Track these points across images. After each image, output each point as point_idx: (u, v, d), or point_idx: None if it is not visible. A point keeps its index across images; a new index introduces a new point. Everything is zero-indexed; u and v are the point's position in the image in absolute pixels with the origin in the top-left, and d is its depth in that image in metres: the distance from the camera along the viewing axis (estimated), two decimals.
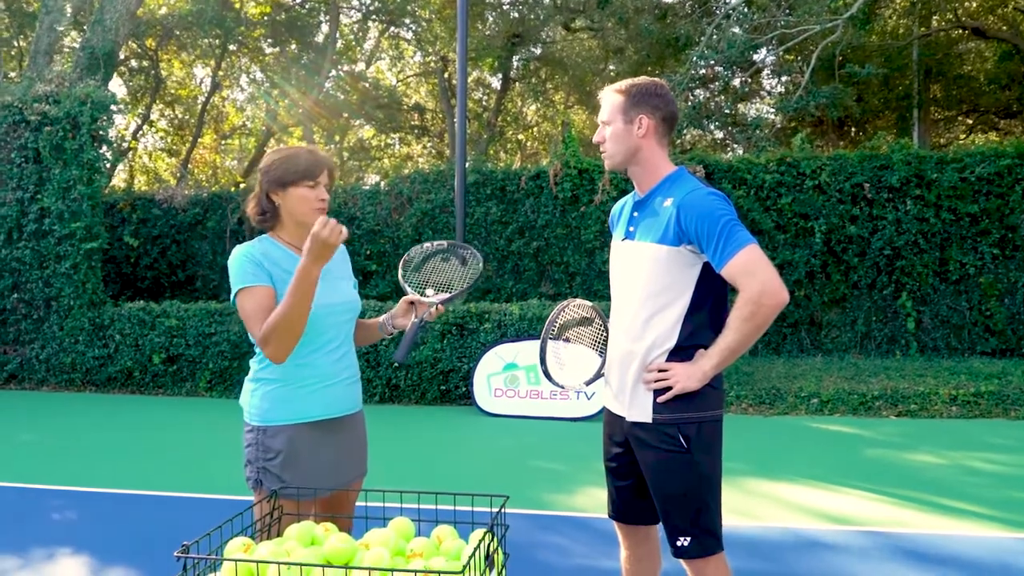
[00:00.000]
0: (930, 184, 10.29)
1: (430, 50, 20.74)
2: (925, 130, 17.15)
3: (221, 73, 20.69)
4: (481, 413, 8.42)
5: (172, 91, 22.15)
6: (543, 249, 11.05)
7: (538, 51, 19.34)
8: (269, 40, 19.97)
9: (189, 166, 21.73)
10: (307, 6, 19.80)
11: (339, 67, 20.97)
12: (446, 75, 19.67)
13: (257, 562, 1.84)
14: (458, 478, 5.98)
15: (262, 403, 2.46)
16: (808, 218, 10.54)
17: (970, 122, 20.39)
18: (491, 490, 2.13)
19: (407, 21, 20.17)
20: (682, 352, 2.43)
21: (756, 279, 2.29)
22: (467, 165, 10.89)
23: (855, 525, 4.67)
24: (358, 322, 2.68)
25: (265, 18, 19.00)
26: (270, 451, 2.44)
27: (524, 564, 4.06)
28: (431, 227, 11.29)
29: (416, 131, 23.48)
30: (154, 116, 22.32)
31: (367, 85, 21.36)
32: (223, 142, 24.37)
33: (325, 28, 19.82)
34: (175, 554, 1.81)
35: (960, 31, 16.97)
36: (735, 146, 16.79)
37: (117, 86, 20.62)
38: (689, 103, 13.93)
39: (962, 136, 20.80)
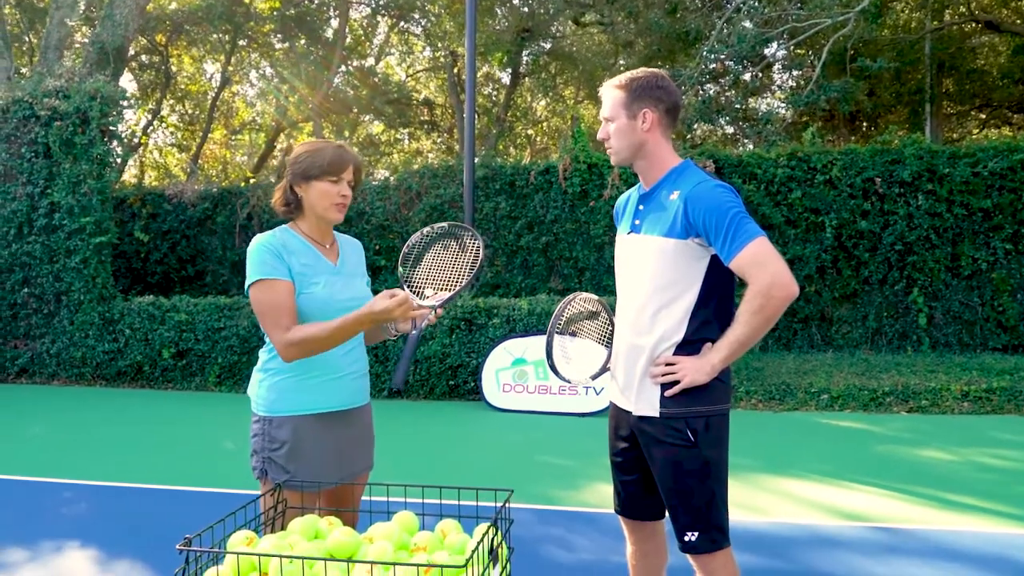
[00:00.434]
0: (942, 179, 10.20)
1: (439, 45, 20.70)
2: (937, 125, 17.01)
3: (231, 68, 20.72)
4: (489, 408, 8.41)
5: (182, 86, 22.20)
6: (552, 244, 11.02)
7: (548, 46, 19.27)
8: (279, 35, 19.98)
9: (199, 161, 21.78)
10: (316, 1, 19.79)
11: (348, 62, 20.97)
12: (455, 70, 19.62)
13: (259, 555, 1.83)
14: (465, 473, 5.96)
15: (269, 394, 2.47)
16: (819, 213, 10.47)
17: (983, 117, 20.23)
18: (498, 485, 2.11)
19: (416, 16, 20.13)
20: (690, 346, 2.40)
21: (766, 271, 2.26)
22: (476, 160, 10.87)
23: (865, 521, 4.63)
24: None
25: (275, 13, 19.00)
26: (275, 441, 2.44)
27: (530, 559, 4.04)
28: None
29: (426, 126, 23.45)
30: (164, 112, 22.38)
31: (376, 80, 21.35)
32: (233, 137, 24.41)
33: (335, 23, 19.81)
34: (177, 547, 1.80)
35: (973, 25, 16.82)
36: (746, 141, 16.70)
37: (128, 81, 20.69)
38: (699, 97, 13.85)
39: (975, 131, 20.63)
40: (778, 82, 18.21)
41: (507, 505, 2.00)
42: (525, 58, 19.35)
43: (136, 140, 20.80)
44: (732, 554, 2.47)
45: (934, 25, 16.18)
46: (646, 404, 2.44)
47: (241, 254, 11.24)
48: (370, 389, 2.69)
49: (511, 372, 8.42)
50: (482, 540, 1.81)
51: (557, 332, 2.78)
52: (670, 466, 2.41)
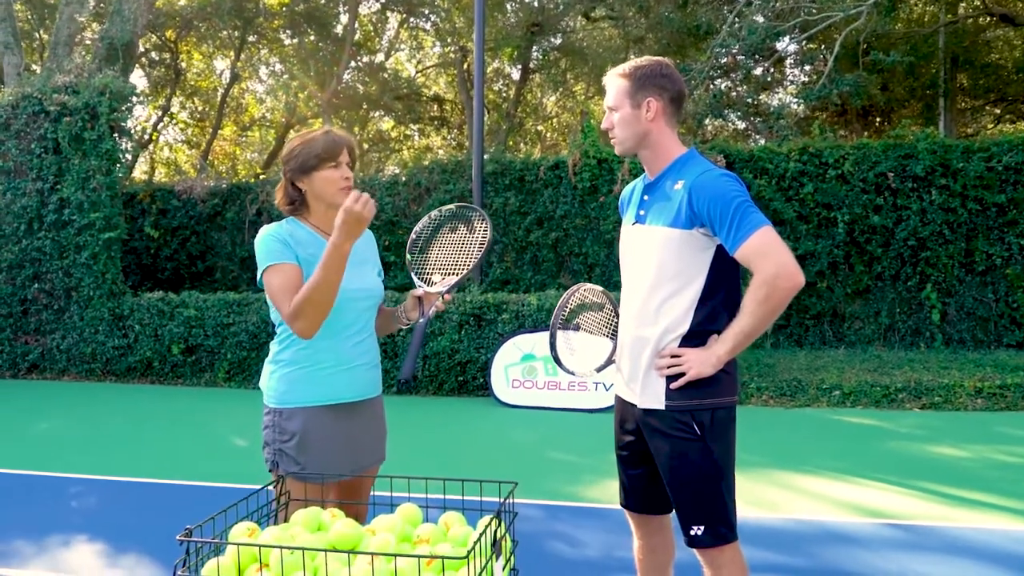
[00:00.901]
0: (956, 173, 10.09)
1: (449, 40, 20.67)
2: (952, 120, 16.85)
3: (240, 64, 20.76)
4: (499, 404, 8.38)
5: (192, 83, 22.26)
6: (562, 240, 10.98)
7: (558, 41, 19.20)
8: (288, 31, 20.00)
9: (209, 158, 21.84)
10: None
11: (358, 58, 20.97)
12: (465, 66, 19.59)
13: (260, 546, 1.80)
14: (473, 469, 5.94)
15: (279, 385, 2.45)
16: (831, 208, 10.38)
17: (998, 112, 20.03)
18: (506, 480, 2.08)
19: (425, 11, 20.10)
20: (695, 337, 2.36)
21: (771, 261, 2.23)
22: (485, 156, 10.84)
23: (878, 518, 4.58)
24: (379, 309, 2.66)
25: (284, 9, 19.02)
26: (286, 433, 2.42)
27: (538, 555, 4.01)
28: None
29: (435, 123, 23.44)
30: (174, 108, 22.45)
31: (386, 76, 21.34)
32: (244, 134, 24.47)
33: (344, 18, 19.80)
34: (177, 538, 1.77)
35: (988, 18, 16.64)
36: (757, 137, 16.60)
37: (138, 78, 20.76)
38: (710, 92, 13.76)
39: (990, 126, 20.43)
40: (790, 77, 18.10)
41: (512, 497, 1.97)
42: (535, 53, 19.29)
43: (147, 137, 20.87)
44: (740, 549, 2.43)
45: (948, 18, 16.02)
46: (651, 397, 2.40)
47: (251, 250, 11.23)
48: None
49: (520, 368, 8.39)
50: (484, 532, 1.78)
51: (561, 324, 2.74)
52: (676, 459, 2.37)
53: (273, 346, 2.51)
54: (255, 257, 2.48)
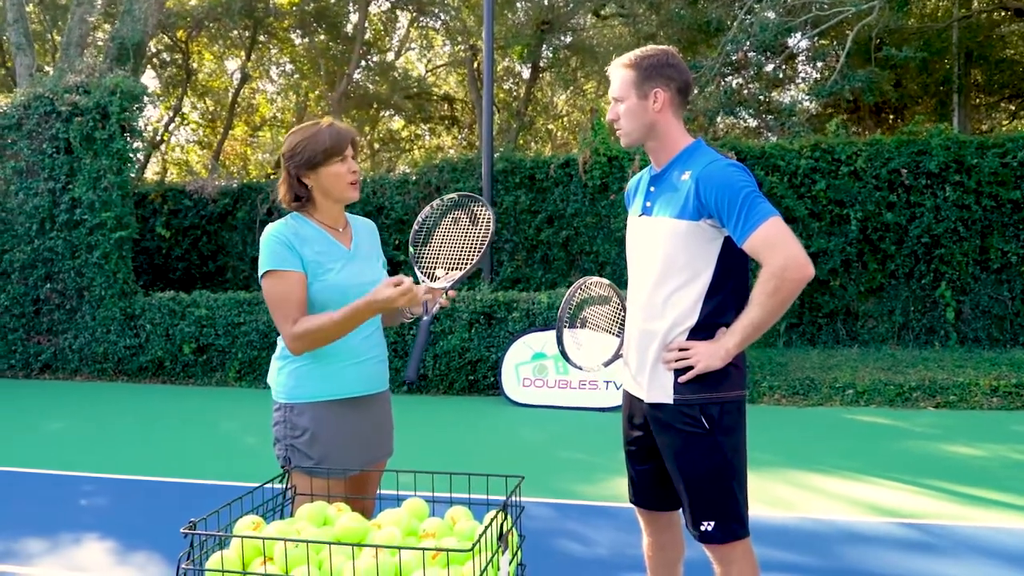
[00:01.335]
0: (970, 170, 9.99)
1: (459, 39, 20.66)
2: (966, 116, 16.68)
3: (251, 64, 20.82)
4: (509, 403, 8.35)
5: (203, 83, 22.34)
6: (572, 238, 10.94)
7: (568, 39, 19.15)
8: (298, 31, 20.04)
9: (220, 158, 21.92)
10: None
11: (368, 57, 20.99)
12: (475, 65, 19.58)
13: (263, 539, 1.78)
14: (483, 467, 5.91)
15: (289, 380, 2.44)
16: (843, 205, 10.29)
17: (1013, 108, 19.84)
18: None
19: (436, 10, 20.11)
20: (703, 330, 2.33)
21: (779, 252, 2.19)
22: (495, 154, 10.81)
23: (892, 517, 4.53)
24: None
25: (294, 8, 19.06)
26: (297, 428, 2.41)
27: (547, 552, 3.99)
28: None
29: (446, 122, 23.44)
30: (186, 109, 22.54)
31: (396, 75, 21.35)
32: (255, 134, 24.56)
33: (354, 18, 19.83)
34: (182, 530, 1.76)
35: (1002, 12, 16.46)
36: (769, 134, 16.49)
37: (150, 79, 20.87)
38: (721, 89, 13.68)
39: (1005, 123, 20.24)
40: (801, 74, 17.99)
41: (519, 491, 1.94)
42: (545, 52, 19.25)
43: (158, 137, 20.96)
44: (751, 546, 2.39)
45: (962, 13, 15.85)
46: (659, 390, 2.37)
47: None
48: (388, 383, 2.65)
49: (531, 367, 8.35)
50: (490, 525, 1.75)
51: (567, 319, 2.71)
52: (684, 454, 2.33)
53: (280, 342, 2.49)
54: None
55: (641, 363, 2.42)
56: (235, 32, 19.35)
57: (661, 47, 2.44)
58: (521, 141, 20.68)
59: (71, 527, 4.54)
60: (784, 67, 15.80)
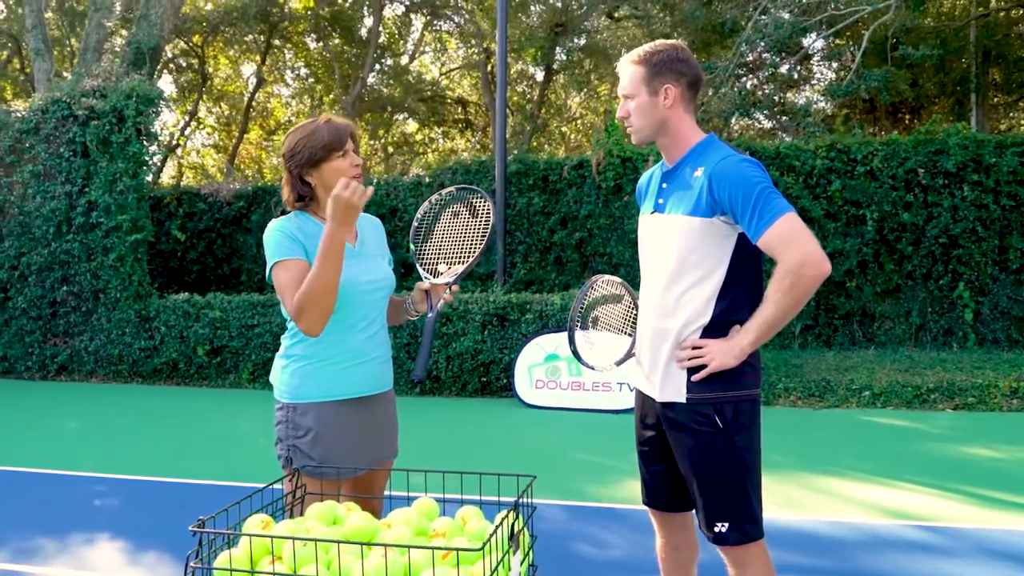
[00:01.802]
0: (988, 169, 9.88)
1: (473, 42, 20.69)
2: (984, 115, 16.51)
3: (266, 68, 20.93)
4: (522, 405, 8.33)
5: (219, 88, 22.48)
6: (586, 240, 10.91)
7: (582, 41, 19.12)
8: (313, 35, 20.12)
9: (235, 162, 22.05)
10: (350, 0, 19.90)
11: (382, 61, 21.04)
12: (489, 68, 19.59)
13: (272, 538, 1.77)
14: (495, 469, 5.87)
15: (292, 380, 2.41)
16: (859, 205, 10.20)
17: None
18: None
19: (449, 13, 20.15)
20: (717, 329, 2.29)
21: (795, 249, 2.15)
22: (509, 156, 10.80)
23: (910, 520, 4.47)
24: (390, 299, 2.62)
25: (309, 12, 19.15)
26: (300, 428, 2.39)
27: (560, 554, 3.96)
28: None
29: (460, 125, 23.46)
30: (202, 113, 22.69)
31: (410, 79, 21.39)
32: (270, 138, 24.69)
33: (368, 22, 19.90)
34: (190, 528, 1.75)
35: (1021, 10, 16.31)
36: (783, 135, 16.40)
37: (167, 84, 21.03)
38: (736, 90, 13.61)
39: (1023, 122, 20.03)
40: (816, 75, 17.88)
41: (530, 492, 1.92)
42: (559, 54, 19.23)
43: (174, 141, 21.10)
44: (766, 548, 2.36)
45: (979, 11, 15.71)
46: (672, 389, 2.34)
47: None
48: (399, 384, 2.63)
49: (544, 368, 8.33)
50: (500, 524, 1.73)
51: (579, 317, 2.68)
52: (698, 453, 2.30)
53: (284, 340, 2.48)
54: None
55: (654, 362, 2.39)
56: (250, 37, 19.46)
57: (670, 42, 2.41)
58: (535, 143, 20.66)
59: (83, 527, 4.56)
60: (799, 67, 15.70)
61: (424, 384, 9.06)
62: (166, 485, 5.52)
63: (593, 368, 2.67)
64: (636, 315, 2.63)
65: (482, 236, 2.45)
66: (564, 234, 10.95)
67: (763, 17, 12.47)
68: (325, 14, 19.00)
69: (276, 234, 2.38)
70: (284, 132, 24.55)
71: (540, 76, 21.07)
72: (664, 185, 2.42)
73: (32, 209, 10.62)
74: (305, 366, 2.40)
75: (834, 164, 10.23)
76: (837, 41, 14.93)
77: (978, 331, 10.08)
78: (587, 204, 10.80)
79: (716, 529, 2.30)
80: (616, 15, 18.63)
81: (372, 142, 23.64)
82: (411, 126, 24.64)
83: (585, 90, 21.76)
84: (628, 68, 2.37)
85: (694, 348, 2.29)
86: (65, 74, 16.84)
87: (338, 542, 1.71)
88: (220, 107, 23.37)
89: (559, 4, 18.30)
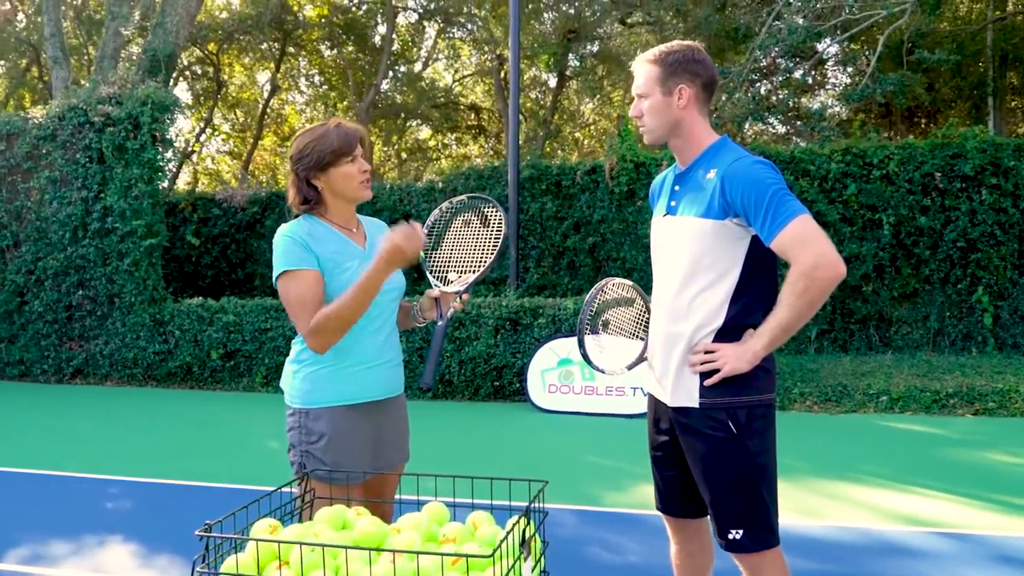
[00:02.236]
0: (1007, 172, 9.77)
1: (486, 49, 20.72)
2: (1001, 119, 16.35)
3: (280, 75, 21.05)
4: (535, 409, 8.29)
5: (233, 95, 22.62)
6: (599, 245, 10.87)
7: (594, 47, 19.11)
8: (327, 42, 20.22)
9: (250, 168, 22.17)
10: (364, 7, 19.99)
11: (396, 68, 21.11)
12: (502, 74, 19.60)
13: (279, 542, 1.75)
14: (507, 473, 5.86)
15: (304, 385, 2.39)
16: (876, 210, 10.11)
17: None
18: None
19: (462, 21, 20.19)
20: (730, 332, 2.25)
21: (809, 251, 2.11)
22: (522, 161, 10.78)
23: (929, 527, 4.40)
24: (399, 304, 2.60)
25: (323, 20, 19.25)
26: (313, 434, 2.37)
27: (573, 560, 3.92)
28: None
29: (473, 131, 23.49)
30: (217, 120, 22.84)
31: (424, 85, 21.45)
32: (284, 144, 24.82)
33: (382, 29, 19.97)
34: (197, 533, 1.73)
35: None
36: (798, 140, 16.31)
37: (182, 91, 21.18)
38: (750, 95, 13.55)
39: None
40: (831, 80, 17.78)
41: (542, 497, 1.89)
42: (571, 60, 19.22)
43: (189, 147, 21.24)
44: (782, 555, 2.31)
45: (996, 15, 15.56)
46: (684, 394, 2.30)
47: None
48: (410, 388, 2.61)
49: (557, 373, 8.29)
50: (512, 530, 1.70)
51: (589, 321, 2.65)
52: (711, 459, 2.26)
53: (295, 345, 2.46)
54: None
55: (666, 366, 2.35)
56: (265, 44, 19.58)
57: (686, 43, 2.37)
58: (548, 149, 20.65)
59: (96, 529, 4.56)
60: (813, 72, 15.62)
61: (436, 388, 9.05)
62: (179, 488, 5.52)
63: (604, 372, 2.64)
64: (648, 319, 2.59)
65: (493, 246, 2.43)
66: (577, 239, 10.92)
67: (777, 22, 12.41)
68: (339, 22, 19.10)
69: (286, 240, 2.34)
70: None
71: (553, 82, 21.06)
72: (677, 187, 2.39)
73: (49, 214, 10.71)
74: (317, 371, 2.38)
75: (849, 168, 10.14)
76: (852, 46, 14.84)
77: (997, 336, 9.96)
78: (600, 209, 10.77)
79: (730, 536, 2.26)
80: (629, 21, 18.60)
81: (386, 148, 23.72)
82: (424, 132, 24.69)
83: (598, 96, 21.73)
84: (643, 67, 2.35)
85: (706, 352, 2.25)
86: (83, 82, 16.99)
87: (346, 548, 1.69)
88: (235, 114, 23.52)
89: (572, 11, 18.29)
